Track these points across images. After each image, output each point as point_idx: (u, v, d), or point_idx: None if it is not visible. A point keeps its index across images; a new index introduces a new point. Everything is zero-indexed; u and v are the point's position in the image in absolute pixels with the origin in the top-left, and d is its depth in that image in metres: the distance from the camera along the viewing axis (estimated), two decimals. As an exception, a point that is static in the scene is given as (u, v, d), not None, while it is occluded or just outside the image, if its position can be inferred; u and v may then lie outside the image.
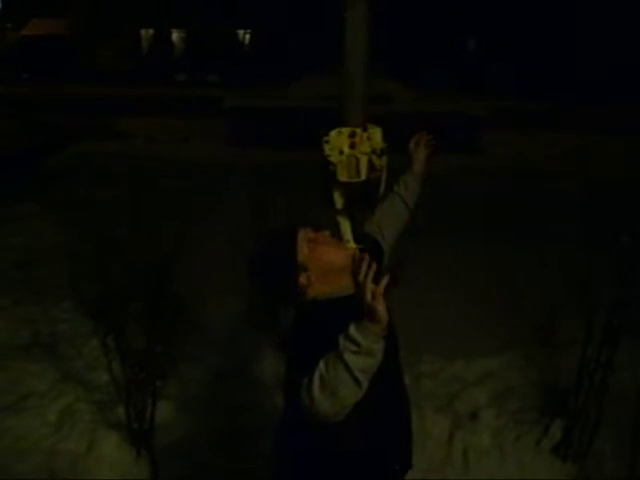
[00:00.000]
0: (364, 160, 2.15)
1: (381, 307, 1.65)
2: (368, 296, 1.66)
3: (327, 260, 2.02)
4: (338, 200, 2.23)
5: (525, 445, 3.65)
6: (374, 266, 1.70)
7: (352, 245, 2.20)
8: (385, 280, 1.68)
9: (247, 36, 26.81)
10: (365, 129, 2.20)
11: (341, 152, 2.16)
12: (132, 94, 18.44)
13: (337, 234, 2.15)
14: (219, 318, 4.69)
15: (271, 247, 2.09)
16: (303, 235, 2.03)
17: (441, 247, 6.13)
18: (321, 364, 1.69)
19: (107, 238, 3.81)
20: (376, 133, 2.21)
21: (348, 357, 1.65)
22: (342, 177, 2.17)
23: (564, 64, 20.26)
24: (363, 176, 2.17)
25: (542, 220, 7.42)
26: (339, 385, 1.67)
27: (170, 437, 3.72)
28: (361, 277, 1.68)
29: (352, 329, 1.67)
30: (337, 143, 2.17)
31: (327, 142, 2.17)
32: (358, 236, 2.25)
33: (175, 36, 27.02)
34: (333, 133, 2.18)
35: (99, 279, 3.70)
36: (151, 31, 26.51)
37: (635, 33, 19.32)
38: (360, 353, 1.66)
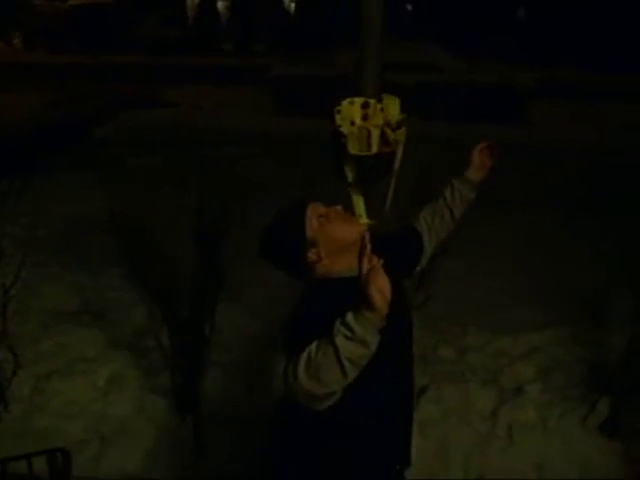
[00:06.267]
0: (376, 133, 2.01)
1: (376, 294, 1.54)
2: (363, 280, 1.58)
3: (338, 236, 1.94)
4: (349, 173, 2.10)
5: (571, 421, 3.59)
6: (369, 247, 1.65)
7: (365, 220, 2.06)
8: (379, 263, 1.58)
9: (292, 4, 26.57)
10: (380, 100, 2.05)
11: (352, 123, 2.02)
12: (179, 63, 18.53)
13: (350, 209, 2.06)
14: (262, 288, 4.70)
15: (279, 221, 2.01)
16: (313, 209, 1.98)
17: (490, 221, 6.04)
18: (313, 344, 1.61)
19: (155, 207, 3.86)
20: (392, 105, 2.04)
21: (339, 342, 1.56)
22: (353, 150, 2.03)
23: (616, 33, 19.59)
24: (374, 149, 2.02)
25: (591, 194, 7.26)
26: (323, 368, 1.59)
27: (215, 403, 3.76)
28: (362, 261, 1.62)
29: (349, 315, 1.57)
30: (349, 114, 2.03)
31: (339, 112, 2.04)
32: (372, 212, 2.12)
33: (220, 5, 26.92)
34: (345, 103, 2.04)
35: (146, 247, 3.76)
36: (197, 0, 26.47)
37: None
38: (352, 340, 1.56)
